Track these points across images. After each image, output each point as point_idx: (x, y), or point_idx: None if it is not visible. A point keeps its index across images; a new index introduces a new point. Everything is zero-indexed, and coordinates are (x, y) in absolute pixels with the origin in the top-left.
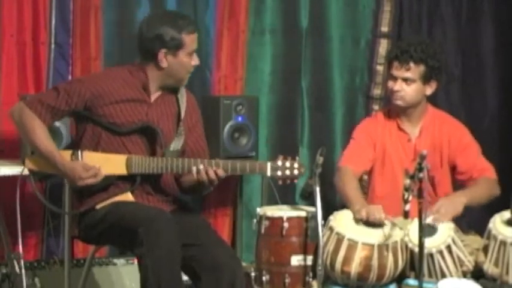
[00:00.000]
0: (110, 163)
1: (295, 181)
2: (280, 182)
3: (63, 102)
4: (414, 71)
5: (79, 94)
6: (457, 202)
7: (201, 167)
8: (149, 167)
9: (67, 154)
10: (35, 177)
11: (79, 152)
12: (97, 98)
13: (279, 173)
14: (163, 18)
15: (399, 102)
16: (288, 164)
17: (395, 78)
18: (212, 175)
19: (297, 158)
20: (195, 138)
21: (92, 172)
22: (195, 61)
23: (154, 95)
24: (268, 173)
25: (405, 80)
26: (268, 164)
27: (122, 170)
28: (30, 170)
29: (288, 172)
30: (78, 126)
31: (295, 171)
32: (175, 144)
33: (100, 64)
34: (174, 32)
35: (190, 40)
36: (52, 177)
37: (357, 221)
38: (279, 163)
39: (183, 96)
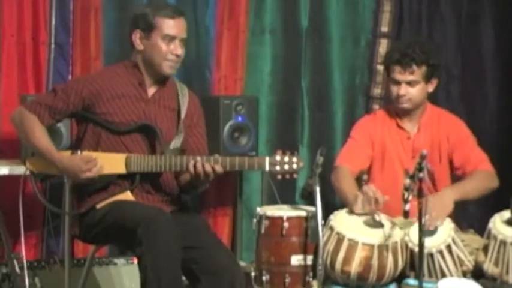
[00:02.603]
0: (109, 162)
1: (295, 176)
2: (279, 177)
3: (60, 101)
4: (417, 73)
5: (76, 92)
6: (446, 200)
7: (198, 159)
8: (148, 166)
9: (67, 154)
10: (36, 178)
11: (78, 152)
12: (94, 96)
13: (278, 168)
14: (147, 3)
15: (406, 106)
16: (286, 158)
17: (399, 83)
18: (209, 169)
19: (296, 152)
20: (196, 138)
21: (92, 164)
22: (176, 50)
23: (151, 90)
24: (267, 168)
25: (409, 83)
26: (267, 159)
27: (121, 169)
28: (31, 171)
29: (286, 167)
30: (79, 128)
31: (294, 166)
32: (175, 143)
33: (100, 64)
34: (147, 13)
35: (165, 24)
36: (52, 178)
37: (357, 218)
38: (278, 158)
39: (184, 95)
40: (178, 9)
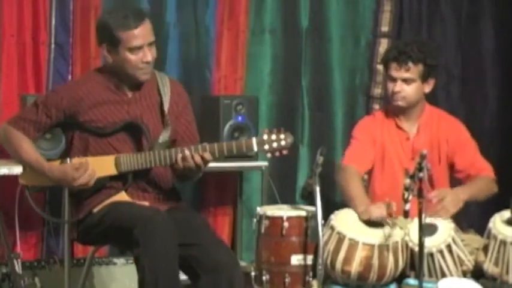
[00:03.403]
0: (99, 165)
1: (284, 152)
2: (269, 155)
3: (43, 115)
4: (413, 70)
5: (56, 104)
6: (460, 196)
7: (187, 152)
8: (138, 163)
9: (56, 163)
10: (32, 191)
11: (67, 160)
12: (75, 105)
13: (266, 146)
14: (106, 13)
15: (400, 103)
16: (274, 136)
17: (394, 80)
18: (198, 160)
19: (282, 129)
20: (185, 127)
21: (82, 170)
22: (146, 57)
23: (130, 92)
24: (255, 149)
25: (405, 80)
26: (254, 140)
27: (111, 171)
28: (25, 186)
29: (275, 144)
30: (66, 136)
31: (282, 142)
32: (164, 136)
33: (100, 64)
34: (109, 28)
35: (129, 37)
36: (50, 188)
37: (359, 220)
38: (265, 137)
39: (165, 85)
40: (139, 15)
